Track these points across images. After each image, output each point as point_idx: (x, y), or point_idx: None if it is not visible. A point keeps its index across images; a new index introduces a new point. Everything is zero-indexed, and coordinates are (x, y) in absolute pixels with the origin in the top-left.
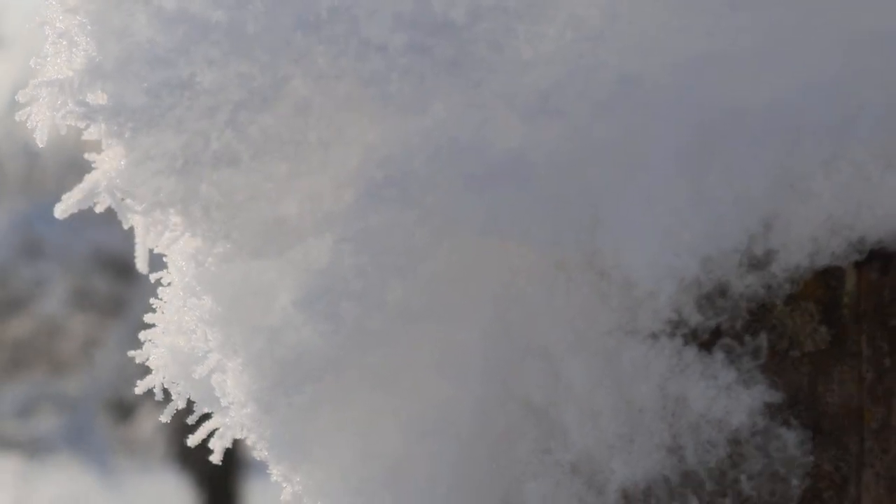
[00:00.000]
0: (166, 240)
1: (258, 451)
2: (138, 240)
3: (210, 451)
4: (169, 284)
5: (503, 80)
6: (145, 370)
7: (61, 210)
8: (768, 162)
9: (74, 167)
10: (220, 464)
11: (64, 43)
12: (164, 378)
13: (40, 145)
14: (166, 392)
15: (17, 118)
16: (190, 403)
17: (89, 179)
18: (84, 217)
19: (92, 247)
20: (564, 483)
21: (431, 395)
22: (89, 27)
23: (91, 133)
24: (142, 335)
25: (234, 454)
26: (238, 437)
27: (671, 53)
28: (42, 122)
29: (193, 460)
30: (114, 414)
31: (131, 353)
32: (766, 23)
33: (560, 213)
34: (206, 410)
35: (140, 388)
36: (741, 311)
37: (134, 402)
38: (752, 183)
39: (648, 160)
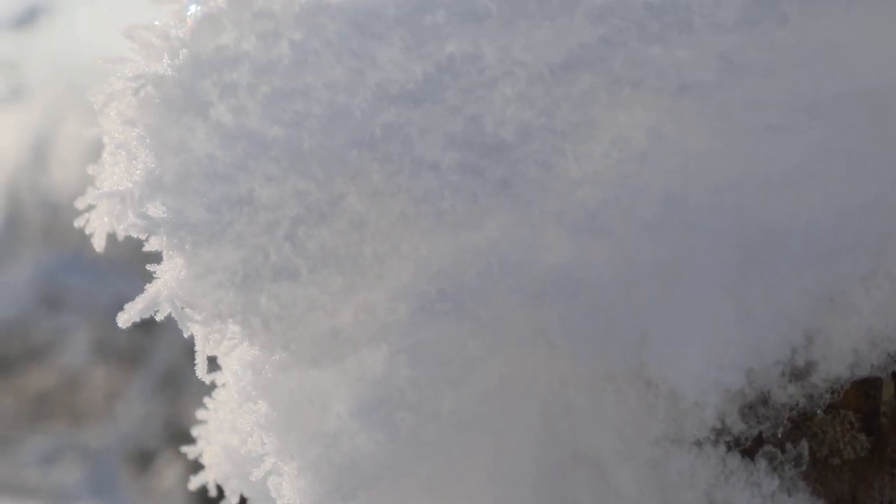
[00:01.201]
0: (224, 348)
1: None
2: (198, 348)
3: None
4: (223, 385)
5: (552, 199)
6: (167, 424)
7: (124, 319)
8: (809, 279)
9: None
10: None
11: (122, 154)
12: (216, 474)
13: (98, 251)
14: (219, 488)
15: (75, 224)
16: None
17: (151, 289)
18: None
19: (114, 298)
20: None
21: (484, 502)
22: (148, 140)
23: (152, 244)
24: (194, 431)
25: None
26: None
27: (713, 174)
28: (100, 230)
29: None
30: (135, 465)
31: (183, 448)
32: (803, 144)
33: (608, 328)
34: None
35: (193, 483)
36: (783, 420)
37: (155, 454)
38: (794, 300)
39: (693, 278)
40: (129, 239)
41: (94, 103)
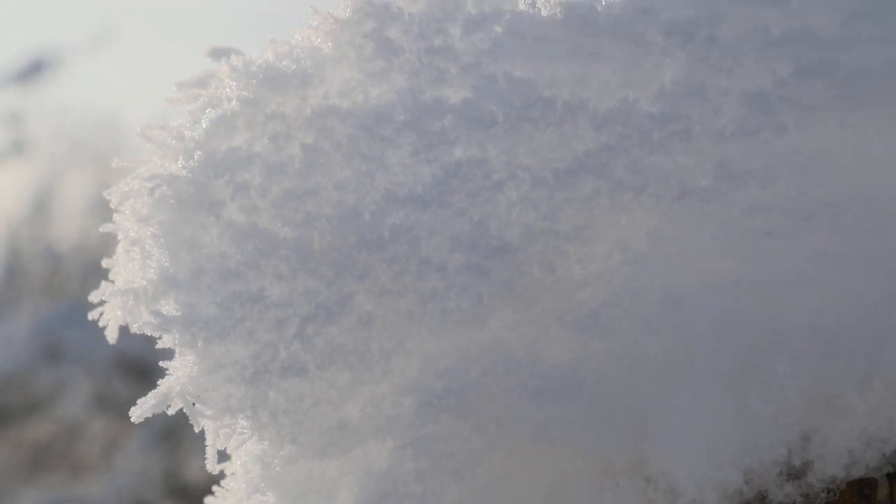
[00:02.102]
0: (234, 442)
1: None
2: (208, 442)
3: None
4: (232, 474)
5: (555, 299)
6: (166, 476)
7: (137, 414)
8: (806, 380)
9: (96, 271)
10: None
11: (136, 251)
12: None
13: (111, 342)
14: None
15: (88, 317)
16: None
17: (163, 385)
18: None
19: (113, 350)
20: None
21: None
22: (162, 238)
23: (165, 342)
24: None
25: None
26: None
27: (713, 275)
28: (113, 324)
29: None
30: None
31: None
32: (801, 249)
33: (608, 424)
34: None
35: None
36: None
37: None
38: (792, 400)
39: (693, 376)
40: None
41: (110, 201)
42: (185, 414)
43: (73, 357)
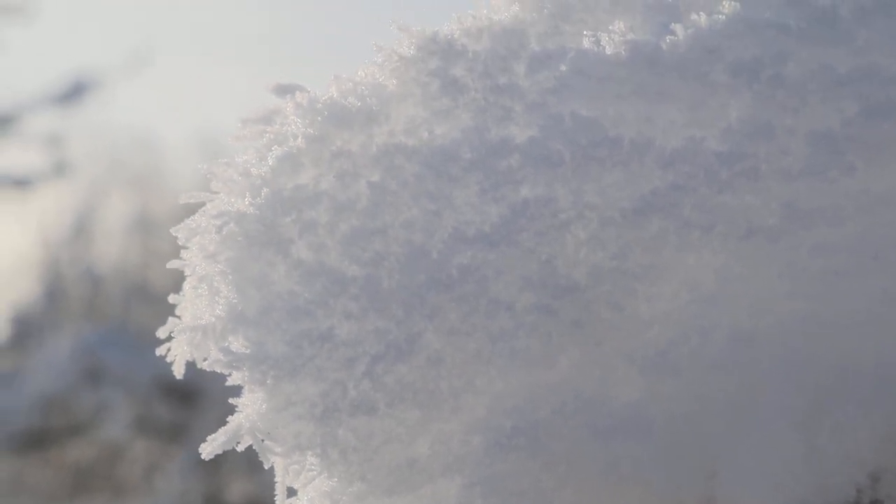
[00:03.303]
0: (304, 479)
1: None
2: (278, 479)
3: None
4: None
5: (623, 338)
6: (207, 499)
7: (207, 451)
8: (876, 420)
9: (137, 293)
10: None
11: (204, 287)
12: None
13: (178, 377)
14: None
15: (156, 352)
16: None
17: (233, 421)
18: (146, 343)
19: (154, 373)
20: None
21: None
22: (230, 275)
23: (234, 379)
24: None
25: None
26: None
27: (781, 315)
28: (180, 359)
29: None
30: None
31: None
32: (870, 289)
33: (678, 463)
34: None
35: None
36: None
37: None
38: (861, 440)
39: (762, 416)
40: (169, 313)
41: (179, 238)
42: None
43: (114, 379)
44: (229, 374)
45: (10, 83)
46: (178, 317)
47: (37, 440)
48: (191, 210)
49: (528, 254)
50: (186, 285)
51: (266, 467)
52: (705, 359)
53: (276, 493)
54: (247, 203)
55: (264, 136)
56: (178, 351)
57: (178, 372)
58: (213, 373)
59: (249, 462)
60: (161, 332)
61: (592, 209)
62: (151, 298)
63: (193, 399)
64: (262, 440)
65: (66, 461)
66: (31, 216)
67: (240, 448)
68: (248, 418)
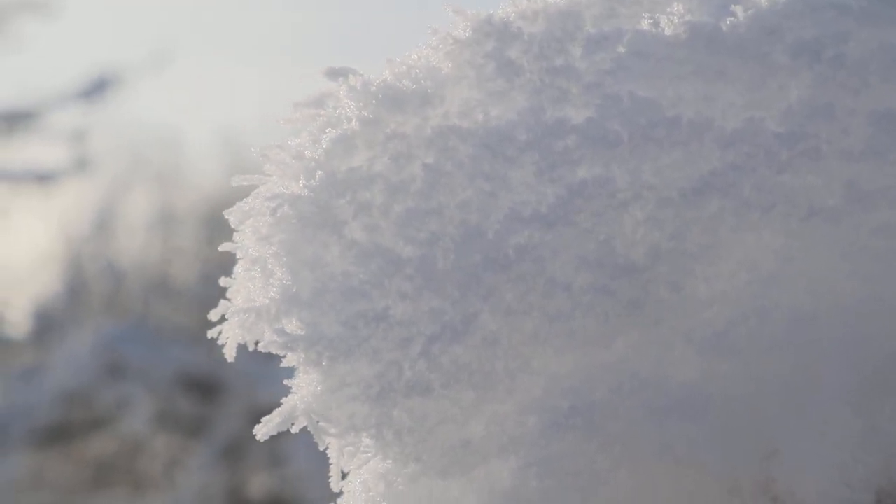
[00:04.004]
0: (358, 461)
1: None
2: (332, 461)
3: None
4: (349, 493)
5: (681, 318)
6: (228, 493)
7: (262, 432)
8: None
9: (158, 289)
10: None
11: (258, 269)
12: None
13: (230, 360)
14: None
15: (207, 335)
16: None
17: (287, 403)
18: (167, 338)
19: (175, 368)
20: None
21: None
22: (284, 257)
23: (289, 360)
24: None
25: None
26: None
27: (841, 296)
28: (232, 341)
29: None
30: None
31: None
32: None
33: (735, 443)
34: None
35: None
36: None
37: None
38: None
39: (821, 396)
40: (191, 308)
41: (231, 221)
42: (247, 431)
43: (135, 374)
44: (284, 356)
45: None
46: (229, 300)
47: (58, 435)
48: (213, 204)
49: (586, 234)
50: (238, 268)
51: (322, 448)
52: (764, 339)
53: (329, 475)
54: (301, 185)
55: (317, 119)
56: (230, 334)
57: (230, 355)
58: (234, 367)
59: (271, 457)
60: (212, 315)
61: (650, 189)
62: (172, 294)
63: (214, 394)
64: (317, 422)
65: (86, 456)
66: (53, 212)
67: (294, 429)
68: (303, 400)
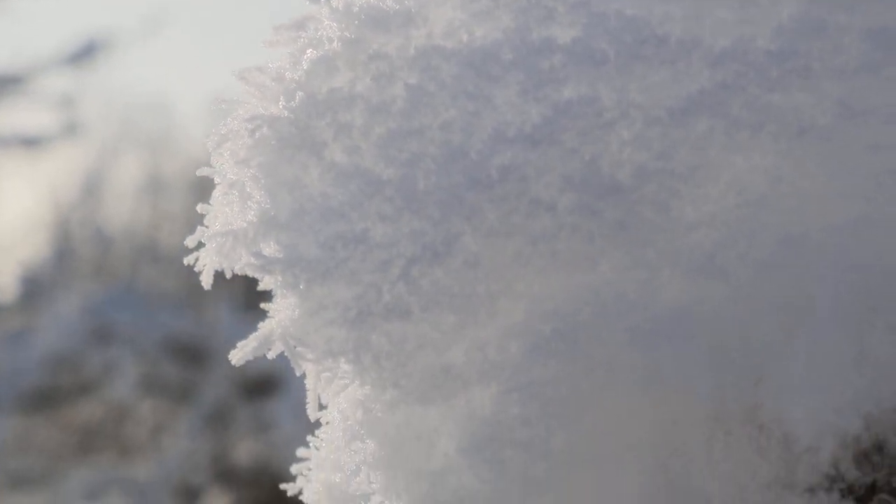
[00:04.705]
0: (336, 387)
1: None
2: (309, 387)
3: None
4: (327, 423)
5: (668, 240)
6: (214, 459)
7: (237, 357)
8: None
9: (146, 254)
10: None
11: (235, 193)
12: None
13: (206, 288)
14: None
15: (184, 262)
16: None
17: (264, 327)
18: (155, 303)
19: (162, 333)
20: None
21: None
22: (262, 179)
23: (266, 284)
24: (294, 468)
25: None
26: None
27: (832, 216)
28: (209, 268)
29: None
30: (181, 499)
31: (283, 486)
32: None
33: (722, 368)
34: None
35: None
36: None
37: (201, 490)
38: None
39: (811, 319)
40: (179, 274)
41: (209, 144)
42: (233, 398)
43: (123, 339)
44: (261, 279)
45: (23, 43)
46: (206, 226)
47: (45, 399)
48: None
49: (571, 153)
50: (216, 192)
51: (298, 374)
52: (753, 261)
53: (307, 404)
54: (280, 107)
55: (298, 41)
56: (207, 260)
57: (207, 282)
58: (222, 333)
59: (257, 422)
60: (189, 242)
61: (637, 108)
62: (160, 259)
63: (201, 359)
64: (294, 346)
65: (73, 421)
66: (41, 176)
67: (270, 355)
68: (280, 324)
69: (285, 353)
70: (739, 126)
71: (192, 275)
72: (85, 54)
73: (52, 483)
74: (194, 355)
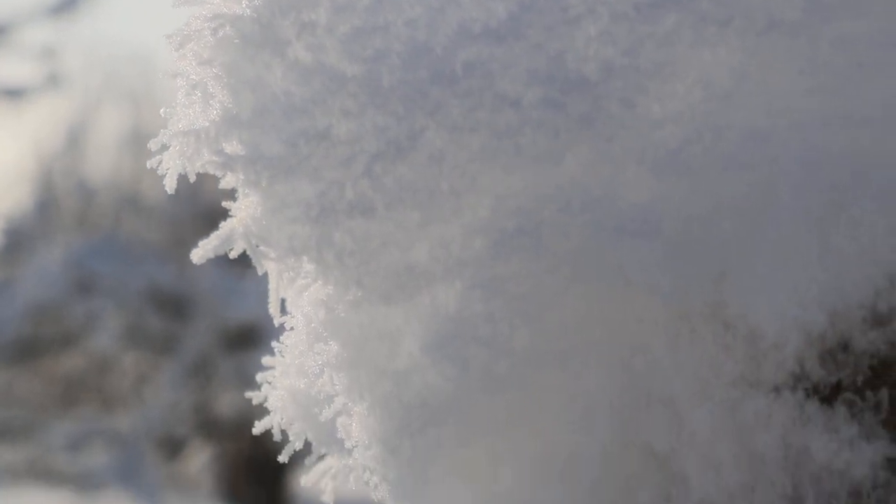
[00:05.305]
0: (298, 287)
1: (379, 492)
2: (272, 286)
3: (259, 489)
4: (291, 329)
5: (634, 136)
6: (196, 411)
7: (198, 256)
8: (893, 219)
9: (129, 205)
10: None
11: (198, 94)
12: (282, 419)
13: (169, 192)
14: (283, 433)
15: (147, 165)
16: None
17: (226, 226)
18: (138, 254)
19: (145, 284)
20: None
21: (555, 440)
22: (225, 78)
23: (228, 182)
24: (259, 377)
25: (284, 490)
26: (360, 478)
27: (799, 112)
28: (173, 170)
29: (241, 497)
30: (164, 451)
31: (249, 394)
32: (893, 83)
33: (687, 265)
34: (322, 452)
35: (258, 428)
36: (863, 367)
37: (184, 441)
38: (879, 238)
39: (776, 215)
40: (162, 225)
41: (172, 44)
42: (216, 350)
43: (106, 290)
44: (223, 176)
45: None
46: (168, 128)
47: (27, 350)
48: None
49: (536, 48)
50: (179, 93)
51: (260, 273)
52: (719, 158)
53: (269, 303)
54: (243, 5)
55: None
56: (171, 163)
57: (171, 186)
58: (205, 284)
59: (240, 374)
60: (152, 145)
61: (603, 4)
62: (143, 211)
63: (184, 311)
64: (256, 245)
65: (56, 372)
66: (24, 128)
67: (232, 254)
68: (242, 222)
69: (247, 252)
70: (707, 21)
71: (175, 226)
72: (67, 5)
73: (34, 434)
74: (177, 307)
